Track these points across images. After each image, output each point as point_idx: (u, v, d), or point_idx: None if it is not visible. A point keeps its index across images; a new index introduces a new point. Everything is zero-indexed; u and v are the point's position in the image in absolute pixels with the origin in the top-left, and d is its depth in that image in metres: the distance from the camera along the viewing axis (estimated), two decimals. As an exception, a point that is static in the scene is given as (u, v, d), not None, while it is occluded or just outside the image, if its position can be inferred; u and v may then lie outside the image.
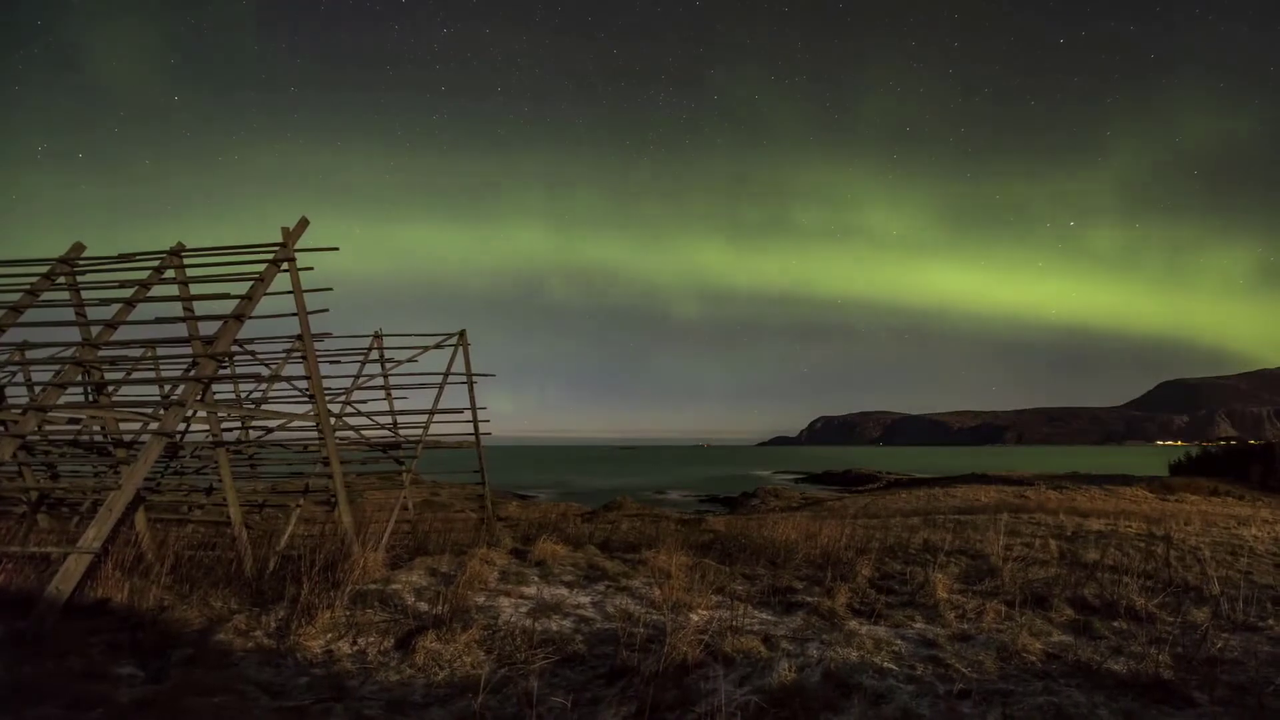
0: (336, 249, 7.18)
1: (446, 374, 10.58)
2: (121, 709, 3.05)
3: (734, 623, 5.42)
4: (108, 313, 7.09)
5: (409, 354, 10.64)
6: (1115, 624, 5.42)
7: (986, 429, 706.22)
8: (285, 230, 6.98)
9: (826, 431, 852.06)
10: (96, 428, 9.40)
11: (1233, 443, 37.00)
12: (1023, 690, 3.76)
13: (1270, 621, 5.36)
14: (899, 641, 4.93)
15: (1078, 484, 28.48)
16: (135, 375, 9.60)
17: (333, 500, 8.38)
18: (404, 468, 10.02)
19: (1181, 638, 4.89)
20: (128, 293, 7.00)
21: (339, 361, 10.15)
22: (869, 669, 4.12)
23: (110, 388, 8.75)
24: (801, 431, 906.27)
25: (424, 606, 5.90)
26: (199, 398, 6.60)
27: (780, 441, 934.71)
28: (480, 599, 6.40)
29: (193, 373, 6.43)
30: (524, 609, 6.06)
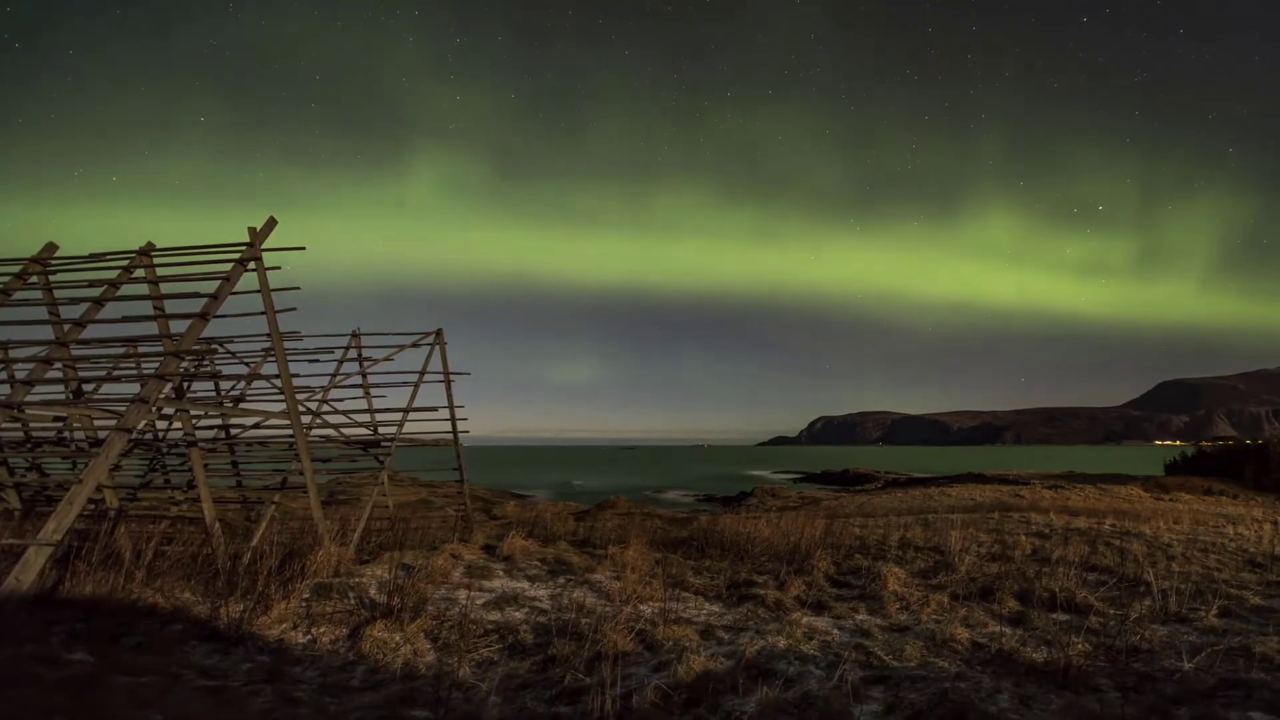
0: (304, 248, 7.32)
1: (422, 372, 10.72)
2: (46, 685, 3.21)
3: (681, 613, 5.56)
4: (82, 312, 7.25)
5: (386, 353, 10.79)
6: (1054, 616, 5.54)
7: (986, 429, 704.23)
8: (252, 230, 7.12)
9: (826, 431, 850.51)
10: (77, 425, 9.57)
11: (1229, 443, 37.01)
12: (933, 676, 3.89)
13: (1203, 614, 5.47)
14: (835, 631, 5.06)
15: (1073, 484, 28.51)
16: (118, 374, 9.77)
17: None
18: (381, 465, 10.18)
19: (1112, 629, 5.00)
20: (98, 292, 7.16)
21: (318, 360, 10.30)
22: (791, 656, 4.25)
23: (90, 386, 8.92)
24: (801, 431, 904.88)
25: (384, 599, 6.04)
26: (174, 396, 6.77)
27: (780, 441, 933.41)
28: (441, 591, 6.55)
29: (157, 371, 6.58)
30: (481, 601, 6.21)
